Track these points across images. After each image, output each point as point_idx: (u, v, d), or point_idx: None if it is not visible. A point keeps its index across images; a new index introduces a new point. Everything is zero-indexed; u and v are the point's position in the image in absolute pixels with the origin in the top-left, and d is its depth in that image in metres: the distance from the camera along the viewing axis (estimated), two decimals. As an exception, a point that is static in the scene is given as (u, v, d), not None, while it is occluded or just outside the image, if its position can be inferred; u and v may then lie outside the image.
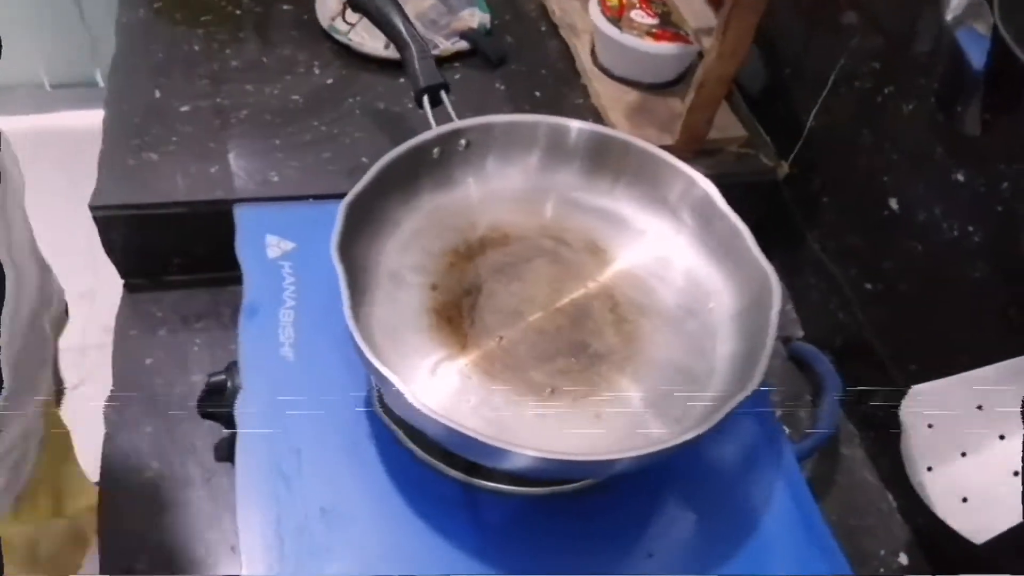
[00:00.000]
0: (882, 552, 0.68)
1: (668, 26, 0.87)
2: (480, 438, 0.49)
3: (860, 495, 0.73)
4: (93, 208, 0.72)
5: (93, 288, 1.24)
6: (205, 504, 0.65)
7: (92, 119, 0.82)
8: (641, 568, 0.56)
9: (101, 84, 2.04)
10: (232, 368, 0.62)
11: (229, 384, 0.61)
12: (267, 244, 0.69)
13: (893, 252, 0.71)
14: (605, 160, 0.66)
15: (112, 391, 0.69)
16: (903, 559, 0.68)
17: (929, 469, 0.60)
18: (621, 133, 0.67)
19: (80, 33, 1.94)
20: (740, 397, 0.53)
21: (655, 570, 0.56)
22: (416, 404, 0.49)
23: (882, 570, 0.67)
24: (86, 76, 2.04)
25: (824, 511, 0.69)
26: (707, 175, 0.65)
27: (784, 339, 0.84)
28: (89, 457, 0.72)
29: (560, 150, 0.67)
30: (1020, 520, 0.54)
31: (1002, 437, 0.57)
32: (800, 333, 0.85)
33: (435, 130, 0.64)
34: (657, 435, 0.56)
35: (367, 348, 0.51)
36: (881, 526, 0.71)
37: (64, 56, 2.00)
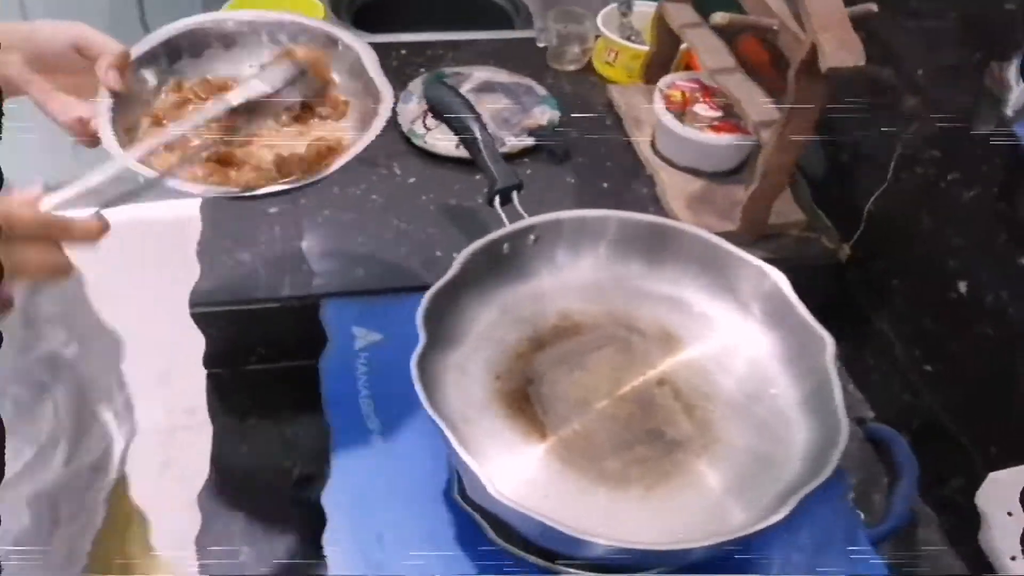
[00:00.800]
0: (970, 644, 0.67)
1: (730, 118, 0.90)
2: (557, 526, 0.51)
3: (944, 582, 0.71)
4: (192, 305, 0.77)
5: (169, 370, 1.31)
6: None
7: (175, 208, 0.88)
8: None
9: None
10: (321, 457, 0.66)
11: (317, 474, 0.65)
12: (355, 335, 0.74)
13: (962, 334, 0.72)
14: (671, 251, 0.70)
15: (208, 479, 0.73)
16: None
17: (1013, 559, 0.60)
18: (686, 225, 0.70)
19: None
20: (814, 484, 0.54)
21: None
22: (493, 492, 0.52)
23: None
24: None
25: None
26: (768, 259, 0.68)
27: (858, 420, 0.84)
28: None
29: (627, 242, 0.70)
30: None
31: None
32: (871, 414, 0.85)
33: (509, 227, 0.68)
34: (733, 523, 0.57)
35: (451, 434, 0.54)
36: (968, 615, 0.69)
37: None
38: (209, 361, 0.82)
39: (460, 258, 0.66)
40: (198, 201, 0.86)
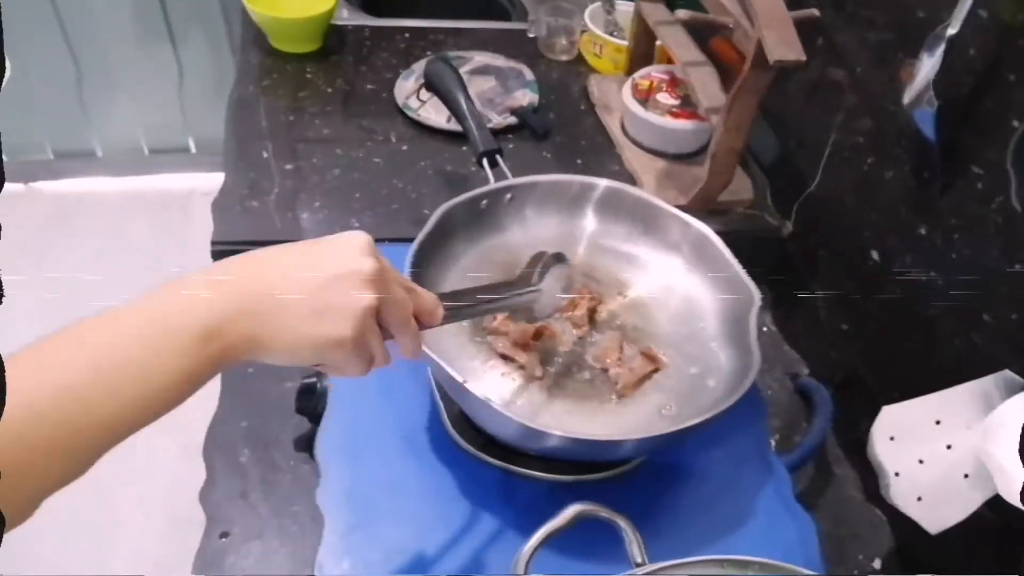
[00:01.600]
0: (860, 557, 0.78)
1: (688, 106, 1.02)
2: (517, 418, 0.62)
3: (847, 509, 0.83)
4: (214, 243, 0.88)
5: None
6: (290, 485, 0.79)
7: (184, 181, 0.99)
8: (647, 547, 0.67)
9: (193, 150, 2.28)
10: (321, 373, 0.77)
11: (318, 386, 0.76)
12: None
13: (875, 296, 0.84)
14: (621, 210, 0.82)
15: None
16: (877, 564, 0.78)
17: (897, 474, 0.71)
18: (634, 189, 0.82)
19: (175, 106, 2.19)
20: (730, 400, 0.66)
21: (657, 550, 0.67)
22: (468, 386, 0.63)
23: (856, 572, 0.77)
24: (180, 143, 2.28)
25: (817, 519, 0.80)
26: (718, 231, 0.79)
27: (792, 375, 0.95)
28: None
29: (587, 203, 0.82)
30: (968, 513, 0.65)
31: (949, 447, 0.68)
32: (805, 371, 0.96)
33: (487, 186, 0.80)
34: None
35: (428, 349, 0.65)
36: (863, 536, 0.81)
37: (163, 125, 2.24)
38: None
39: (440, 211, 0.77)
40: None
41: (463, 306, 0.58)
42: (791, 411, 0.92)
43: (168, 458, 1.34)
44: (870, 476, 0.84)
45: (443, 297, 0.55)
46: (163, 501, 1.57)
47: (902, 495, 0.69)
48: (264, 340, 0.44)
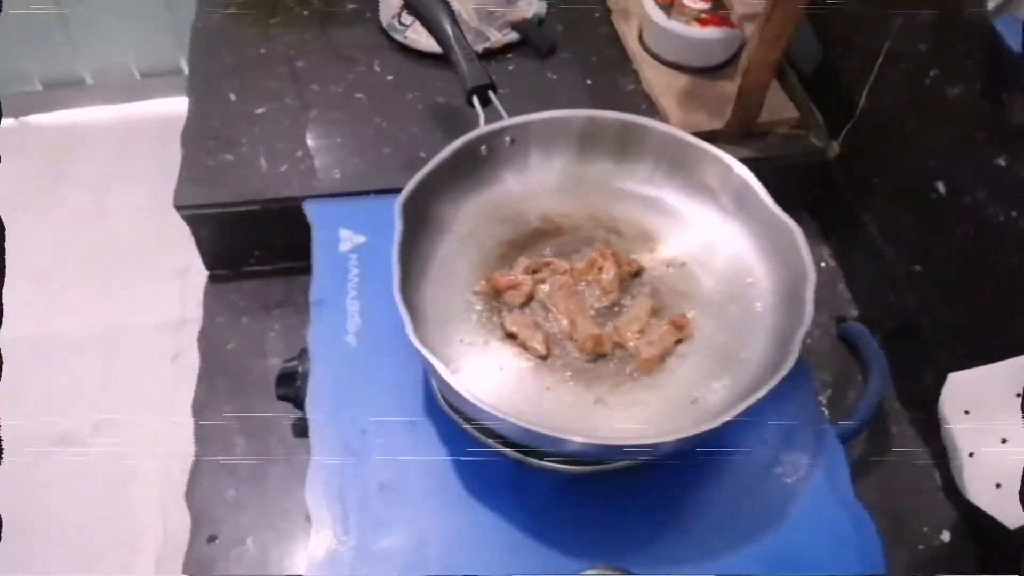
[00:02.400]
0: (925, 529, 0.70)
1: (717, 11, 0.88)
2: (529, 426, 0.53)
3: (907, 474, 0.74)
4: (178, 207, 0.78)
5: (187, 266, 1.33)
6: (284, 478, 0.71)
7: (180, 105, 0.89)
8: (676, 544, 0.59)
9: (186, 71, 2.15)
10: (303, 355, 0.68)
11: (300, 369, 0.67)
12: (340, 238, 0.75)
13: (941, 235, 0.72)
14: (641, 148, 0.69)
15: (200, 374, 0.76)
16: (945, 536, 0.70)
17: (971, 455, 0.62)
18: (652, 121, 0.70)
19: (166, 22, 2.05)
20: (773, 382, 0.56)
21: (690, 546, 0.59)
22: (463, 391, 0.54)
23: (921, 547, 0.69)
24: (172, 65, 2.15)
25: (870, 488, 0.71)
26: (755, 158, 0.67)
27: (838, 319, 0.85)
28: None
29: (598, 141, 0.70)
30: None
31: (1036, 424, 0.58)
32: (854, 313, 0.86)
33: (479, 129, 0.68)
34: (700, 417, 0.59)
35: (416, 338, 0.55)
36: (926, 505, 0.72)
37: (152, 46, 2.11)
38: (210, 263, 0.84)
39: (434, 161, 0.66)
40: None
41: None
42: (837, 362, 0.82)
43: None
44: (933, 437, 0.75)
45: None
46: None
47: (975, 481, 0.60)
48: None
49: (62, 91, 2.18)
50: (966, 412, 0.61)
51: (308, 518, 0.61)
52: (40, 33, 2.03)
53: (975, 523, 0.70)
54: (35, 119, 2.19)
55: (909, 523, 0.71)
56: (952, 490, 0.72)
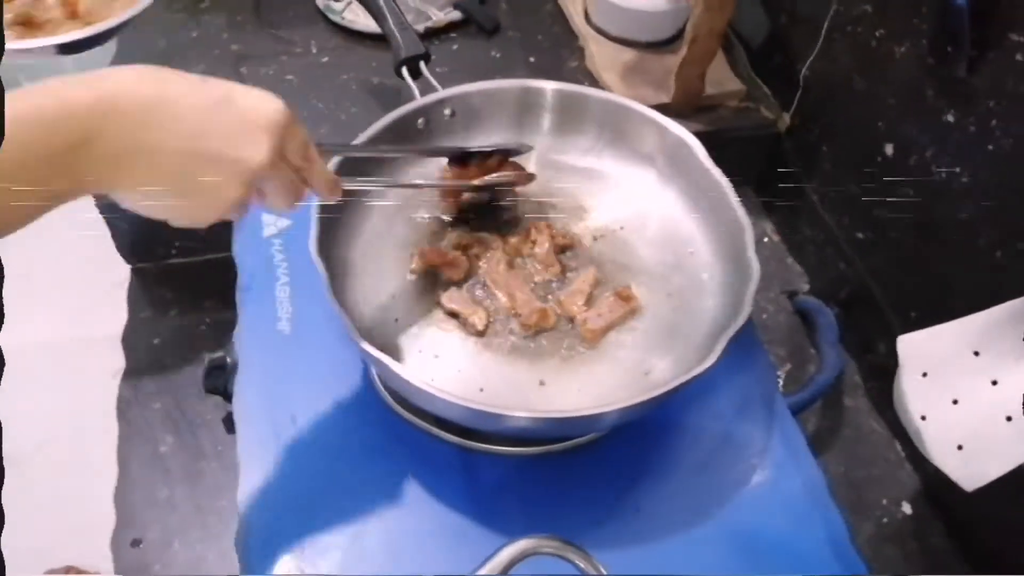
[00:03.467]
0: (885, 501, 0.68)
1: (662, -19, 0.86)
2: (471, 405, 0.50)
3: (865, 446, 0.72)
4: (96, 197, 0.74)
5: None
6: (217, 475, 0.68)
7: None
8: (628, 523, 0.56)
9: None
10: (231, 345, 0.64)
11: (228, 360, 0.64)
12: (263, 223, 0.71)
13: (885, 199, 0.70)
14: (583, 119, 0.67)
15: (125, 371, 0.72)
16: (907, 508, 0.68)
17: (923, 418, 0.60)
18: (591, 89, 0.67)
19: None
20: (721, 343, 0.53)
21: (642, 525, 0.56)
22: (407, 376, 0.50)
23: (885, 520, 0.67)
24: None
25: (830, 462, 0.69)
26: (705, 131, 0.65)
27: (790, 293, 0.83)
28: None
29: (538, 112, 0.67)
30: (1012, 467, 0.53)
31: (995, 382, 0.56)
32: (805, 287, 0.84)
33: (417, 101, 0.65)
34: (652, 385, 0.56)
35: (352, 326, 0.52)
36: (886, 476, 0.70)
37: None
38: (132, 257, 0.80)
39: (364, 135, 0.62)
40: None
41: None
42: (793, 337, 0.80)
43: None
44: (889, 408, 0.73)
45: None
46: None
47: (935, 444, 0.58)
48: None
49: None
50: (924, 375, 0.59)
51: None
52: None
53: (938, 494, 0.68)
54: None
55: (870, 496, 0.69)
56: (916, 460, 0.70)
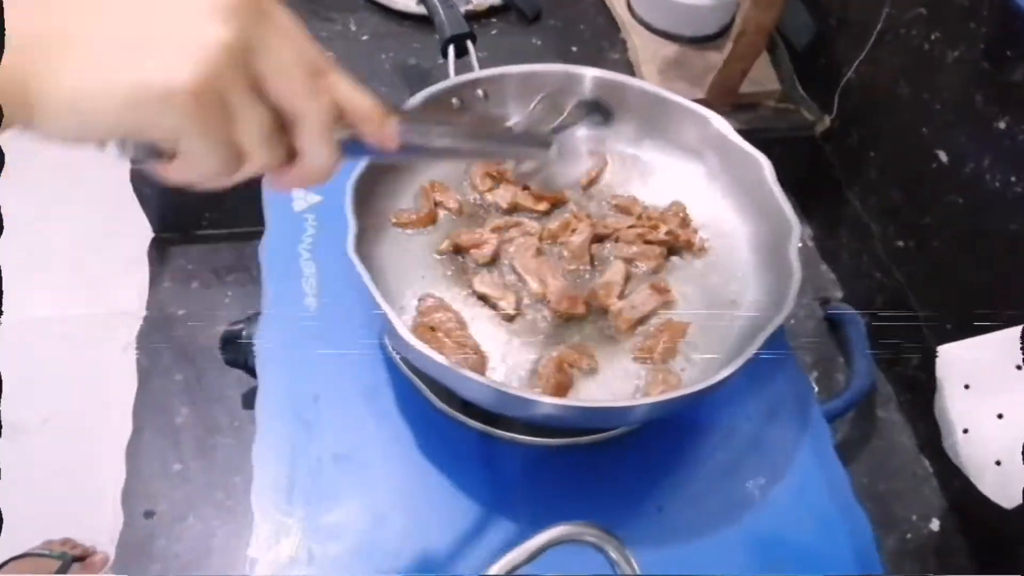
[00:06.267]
0: (914, 517, 0.66)
1: (706, -24, 0.84)
2: (504, 389, 0.49)
3: (894, 459, 0.70)
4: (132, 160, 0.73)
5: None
6: (232, 450, 0.66)
7: None
8: (650, 522, 0.55)
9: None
10: (253, 318, 0.63)
11: (244, 332, 0.62)
12: (293, 197, 0.70)
13: (933, 207, 0.68)
14: (623, 107, 0.65)
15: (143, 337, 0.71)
16: (935, 525, 0.66)
17: (965, 431, 0.58)
18: (630, 78, 0.66)
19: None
20: (758, 341, 0.51)
21: (664, 524, 0.55)
22: (408, 338, 0.49)
23: (910, 535, 0.65)
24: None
25: (856, 474, 0.67)
26: (741, 130, 0.63)
27: (822, 300, 0.81)
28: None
29: (577, 98, 0.65)
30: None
31: (1039, 399, 0.54)
32: (839, 294, 0.82)
33: (451, 80, 0.64)
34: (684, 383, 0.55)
35: (369, 278, 0.50)
36: (914, 491, 0.68)
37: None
38: (159, 226, 0.79)
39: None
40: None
41: (427, 124, 0.39)
42: (823, 344, 0.78)
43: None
44: (922, 421, 0.72)
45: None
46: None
47: (973, 459, 0.56)
48: (46, 84, 0.26)
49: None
50: (966, 387, 0.57)
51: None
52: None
53: (967, 513, 0.67)
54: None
55: (897, 510, 0.67)
56: (944, 476, 0.69)
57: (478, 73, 0.65)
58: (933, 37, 0.68)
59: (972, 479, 0.55)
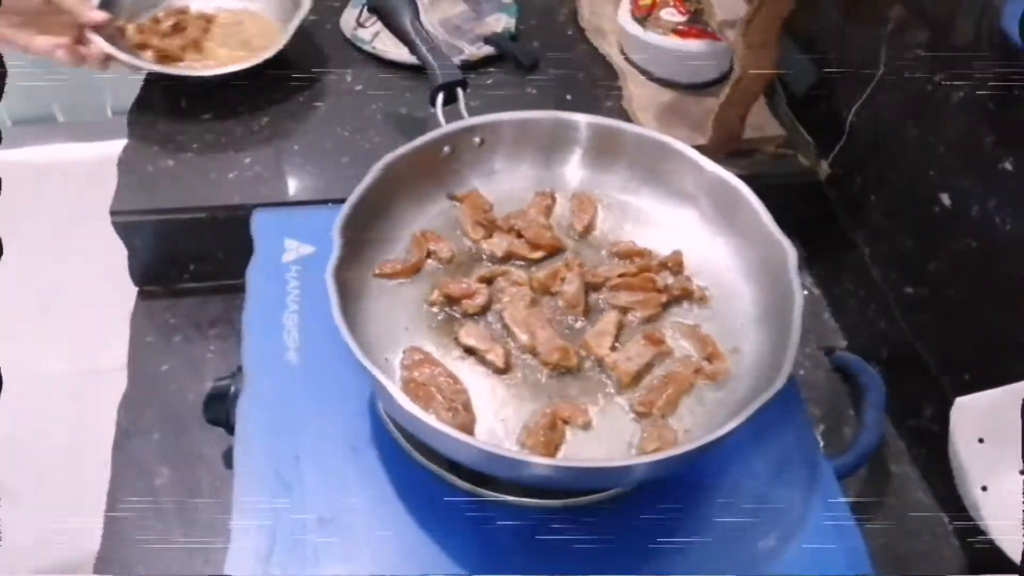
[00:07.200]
0: (932, 580, 0.62)
1: (697, 23, 0.83)
2: (490, 449, 0.46)
3: (911, 517, 0.67)
4: (114, 213, 0.72)
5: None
6: (212, 512, 0.63)
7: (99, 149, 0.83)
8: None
9: (110, 115, 2.07)
10: (237, 373, 0.61)
11: (232, 389, 0.60)
12: (284, 248, 0.68)
13: (941, 252, 0.66)
14: (616, 154, 0.63)
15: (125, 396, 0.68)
16: (955, 589, 0.62)
17: (984, 488, 0.55)
18: (625, 124, 0.65)
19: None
20: (765, 396, 0.49)
21: (671, 592, 0.51)
22: (407, 407, 0.47)
23: (933, 599, 0.61)
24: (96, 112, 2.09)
25: (871, 534, 0.64)
26: (741, 176, 0.61)
27: (827, 350, 0.78)
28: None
29: (572, 145, 0.64)
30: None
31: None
32: (843, 343, 0.79)
33: (444, 128, 0.62)
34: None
35: (353, 342, 0.48)
36: (932, 551, 0.64)
37: (127, 87, 2.04)
38: (141, 279, 0.77)
39: (384, 160, 0.60)
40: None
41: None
42: (830, 396, 0.75)
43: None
44: (937, 476, 0.68)
45: None
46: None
47: (995, 518, 0.53)
48: None
49: (32, 128, 2.12)
50: (980, 440, 0.54)
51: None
52: (12, 70, 1.97)
53: (988, 570, 0.63)
54: (3, 155, 2.12)
55: (911, 567, 0.63)
56: (964, 535, 0.65)
57: (472, 120, 0.64)
58: (936, 78, 0.66)
59: (995, 539, 0.52)
